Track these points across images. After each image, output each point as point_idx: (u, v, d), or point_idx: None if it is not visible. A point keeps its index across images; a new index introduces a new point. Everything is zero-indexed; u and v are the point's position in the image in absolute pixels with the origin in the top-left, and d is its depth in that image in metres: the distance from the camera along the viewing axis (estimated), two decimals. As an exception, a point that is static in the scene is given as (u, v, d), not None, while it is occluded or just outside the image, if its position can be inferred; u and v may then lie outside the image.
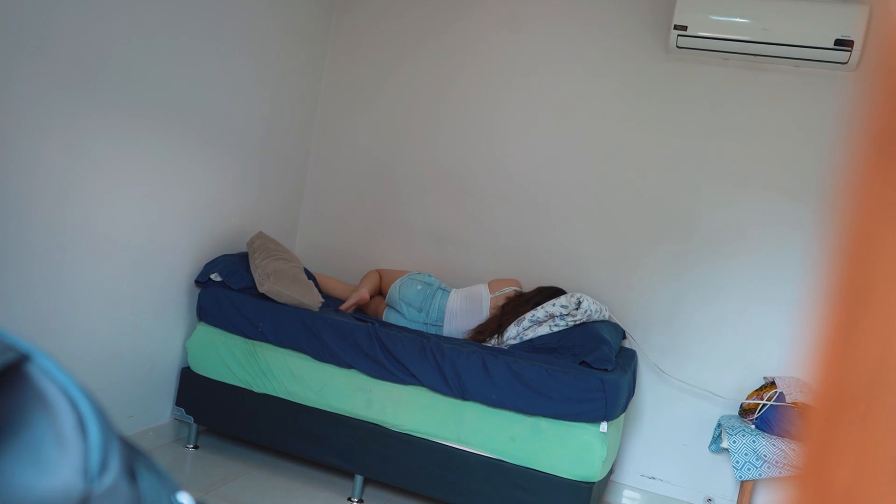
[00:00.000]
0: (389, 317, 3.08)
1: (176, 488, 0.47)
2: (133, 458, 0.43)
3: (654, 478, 3.10)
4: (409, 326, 3.01)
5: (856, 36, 2.64)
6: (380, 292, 3.23)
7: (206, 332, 2.90)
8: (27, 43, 2.10)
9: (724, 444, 2.74)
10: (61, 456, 0.37)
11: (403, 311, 3.05)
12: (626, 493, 3.13)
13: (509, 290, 3.02)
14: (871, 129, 0.22)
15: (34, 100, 2.15)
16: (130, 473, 0.42)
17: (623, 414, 2.82)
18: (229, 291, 2.87)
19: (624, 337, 3.06)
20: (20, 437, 0.36)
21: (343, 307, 3.08)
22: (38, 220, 2.25)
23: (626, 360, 2.85)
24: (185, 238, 2.90)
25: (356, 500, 2.74)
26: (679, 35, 2.81)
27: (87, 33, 2.28)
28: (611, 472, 2.93)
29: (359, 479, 2.75)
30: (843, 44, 2.64)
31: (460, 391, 2.59)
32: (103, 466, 0.39)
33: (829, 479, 0.23)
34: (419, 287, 3.08)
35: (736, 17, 2.78)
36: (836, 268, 0.27)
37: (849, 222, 0.26)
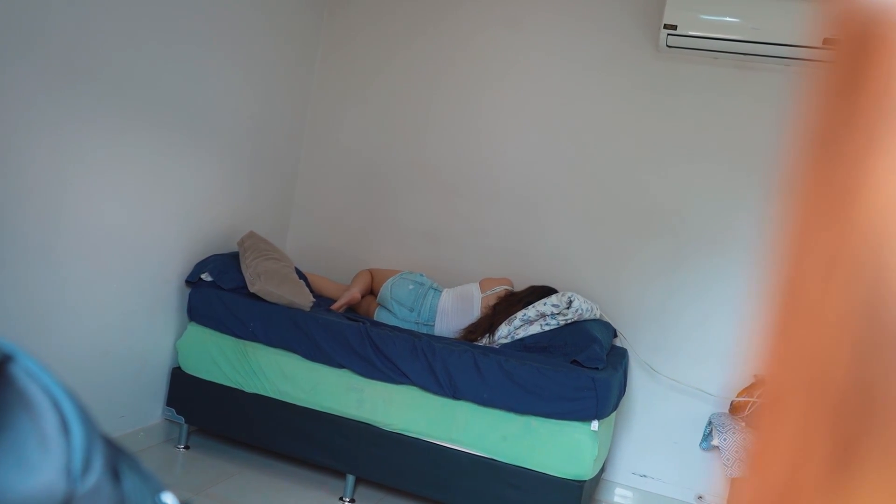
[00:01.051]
0: (381, 316, 3.12)
1: (160, 488, 0.47)
2: (117, 458, 0.44)
3: (645, 476, 3.15)
4: (400, 326, 3.04)
5: (844, 36, 2.68)
6: (371, 292, 3.27)
7: (197, 331, 2.93)
8: (17, 44, 2.13)
9: (715, 442, 2.79)
10: (44, 456, 0.38)
11: (395, 311, 3.09)
12: (618, 491, 3.18)
13: (500, 289, 3.06)
14: (806, 128, 0.24)
15: (24, 100, 2.18)
16: (114, 473, 0.43)
17: (614, 412, 2.86)
18: (220, 291, 2.90)
19: (615, 335, 3.10)
20: (2, 438, 0.36)
21: (334, 307, 3.12)
22: (28, 220, 2.27)
23: (616, 359, 2.89)
24: (175, 237, 2.92)
25: (348, 499, 2.78)
26: (669, 34, 2.86)
27: (76, 34, 2.31)
28: (602, 470, 2.98)
29: (350, 478, 2.78)
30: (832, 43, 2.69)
31: (452, 390, 2.62)
32: (86, 466, 0.40)
33: (767, 475, 0.24)
34: (411, 286, 3.11)
35: (726, 17, 2.83)
36: (774, 265, 0.30)
37: (786, 220, 0.28)
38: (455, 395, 2.63)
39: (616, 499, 3.18)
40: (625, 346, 3.13)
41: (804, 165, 0.22)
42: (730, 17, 2.82)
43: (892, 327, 0.17)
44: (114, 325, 2.70)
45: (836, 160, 0.19)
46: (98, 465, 0.41)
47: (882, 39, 0.18)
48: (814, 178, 0.22)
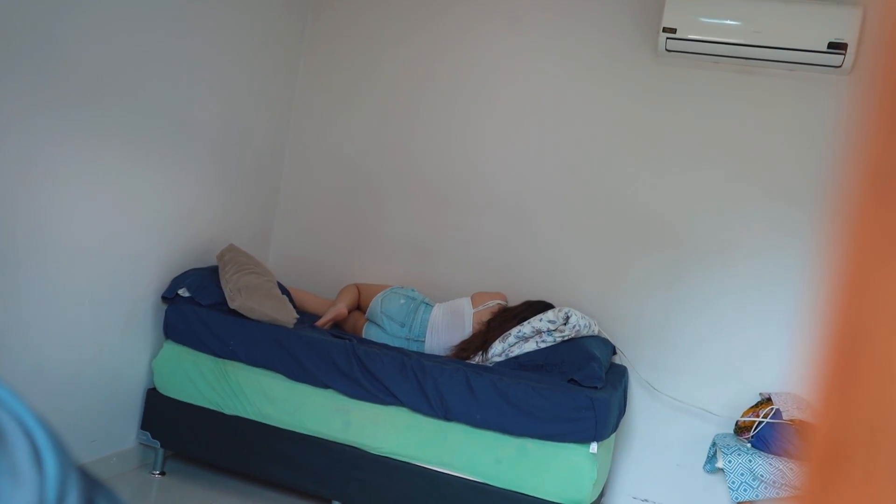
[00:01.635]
0: (370, 332, 3.06)
1: None
2: (92, 489, 0.43)
3: (646, 500, 3.09)
4: (390, 342, 2.99)
5: (850, 39, 2.66)
6: (358, 307, 3.21)
7: (174, 350, 2.86)
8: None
9: (720, 464, 2.73)
10: (15, 490, 0.37)
11: (385, 326, 3.03)
12: (618, 515, 3.11)
13: (494, 303, 3.01)
14: (866, 165, 0.20)
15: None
16: None
17: (613, 433, 2.81)
18: (198, 307, 2.84)
19: (614, 353, 3.05)
20: None
21: (319, 323, 3.05)
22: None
23: (616, 377, 2.84)
24: (151, 251, 2.86)
25: (333, 527, 2.71)
26: (668, 38, 2.82)
27: (48, 32, 2.25)
28: (601, 494, 2.91)
29: (336, 505, 2.71)
30: (836, 47, 2.66)
31: (443, 411, 2.57)
32: (60, 500, 0.39)
33: None
34: (402, 301, 3.06)
35: (727, 20, 2.80)
36: (831, 309, 0.27)
37: (843, 261, 0.25)
38: (447, 416, 2.57)
39: (616, 524, 3.11)
40: (624, 364, 3.08)
41: (861, 202, 0.22)
42: (731, 20, 2.78)
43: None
44: (86, 344, 2.62)
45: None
46: (73, 498, 0.40)
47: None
48: (873, 217, 0.21)
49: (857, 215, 0.23)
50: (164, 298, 2.91)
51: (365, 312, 3.15)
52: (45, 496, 0.38)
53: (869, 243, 0.23)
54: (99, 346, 2.68)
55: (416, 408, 2.60)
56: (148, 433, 2.88)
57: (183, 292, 2.87)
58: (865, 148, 0.21)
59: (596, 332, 2.93)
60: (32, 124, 2.26)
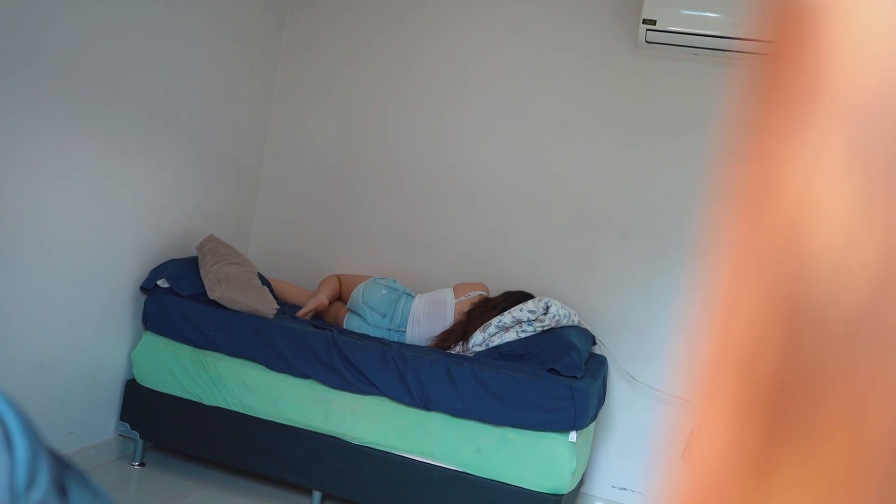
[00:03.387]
0: (351, 322, 3.12)
1: None
2: (63, 472, 0.44)
3: (625, 489, 3.18)
4: (371, 332, 3.05)
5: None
6: (339, 298, 3.26)
7: (153, 341, 2.90)
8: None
9: (697, 453, 2.82)
10: None
11: (366, 316, 3.09)
12: (597, 505, 3.20)
13: (475, 294, 3.08)
14: (734, 124, 0.24)
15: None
16: (60, 489, 0.42)
17: (593, 423, 2.89)
18: (177, 298, 2.87)
19: (594, 343, 3.13)
20: None
21: (300, 314, 3.11)
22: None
23: (595, 367, 2.92)
24: (129, 242, 2.89)
25: (314, 517, 2.77)
26: (648, 30, 2.90)
27: (17, 18, 2.28)
28: (581, 483, 3.00)
29: (317, 495, 2.77)
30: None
31: (423, 401, 2.63)
32: (30, 482, 0.39)
33: (701, 465, 0.24)
34: (384, 291, 3.12)
35: (706, 12, 2.88)
36: (702, 261, 0.30)
37: (712, 217, 0.28)
38: (427, 405, 2.63)
39: (596, 513, 3.20)
40: (604, 354, 3.16)
41: (730, 162, 0.23)
42: (710, 12, 2.87)
43: (813, 318, 0.18)
44: (62, 336, 2.66)
45: (759, 157, 0.20)
46: (43, 480, 0.40)
47: (809, 34, 0.19)
48: (738, 175, 0.22)
49: (726, 174, 0.27)
50: (143, 289, 2.94)
51: (346, 303, 3.21)
52: (16, 478, 0.39)
53: (734, 199, 0.26)
54: (77, 338, 2.72)
55: (396, 398, 2.66)
56: (127, 424, 2.92)
57: (162, 283, 2.90)
58: (739, 111, 0.25)
59: (576, 322, 3.01)
60: (5, 117, 2.29)
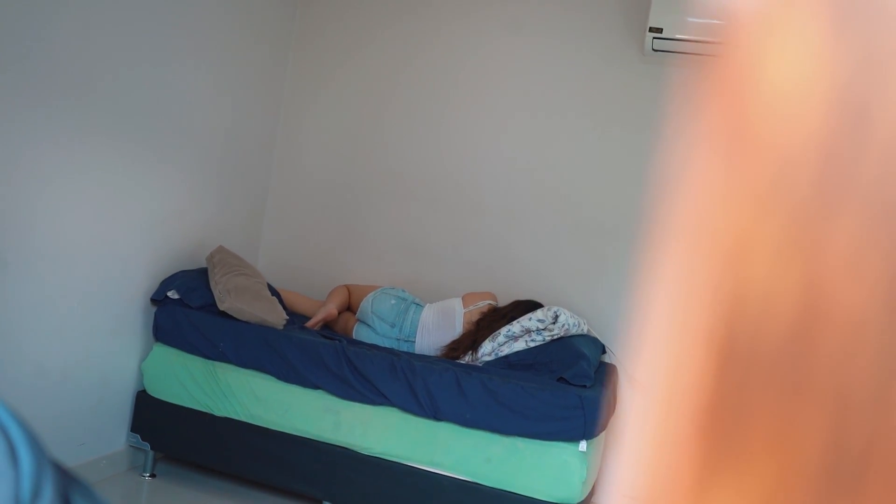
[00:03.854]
0: (360, 332, 3.13)
1: None
2: (68, 485, 0.44)
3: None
4: (380, 342, 3.06)
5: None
6: (348, 308, 3.28)
7: (163, 352, 2.93)
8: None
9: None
10: None
11: (375, 326, 3.10)
12: (609, 515, 3.19)
13: (483, 304, 3.09)
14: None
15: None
16: (65, 502, 0.43)
17: (603, 432, 2.88)
18: (188, 309, 2.90)
19: (604, 351, 3.13)
20: None
21: (309, 324, 3.13)
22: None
23: (605, 376, 2.92)
24: (140, 253, 2.93)
25: (324, 528, 2.78)
26: (655, 38, 2.91)
27: (33, 40, 2.32)
28: (591, 493, 2.99)
29: (327, 505, 2.78)
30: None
31: (433, 411, 2.64)
32: (35, 495, 0.40)
33: (648, 473, 0.27)
34: (393, 301, 3.14)
35: (714, 19, 2.88)
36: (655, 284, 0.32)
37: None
38: (436, 416, 2.64)
39: (607, 523, 3.19)
40: (614, 363, 3.16)
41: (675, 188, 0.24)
42: (717, 19, 2.87)
43: (744, 344, 0.20)
44: (75, 346, 2.69)
45: (698, 188, 0.21)
46: (48, 493, 0.41)
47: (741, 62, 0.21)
48: (680, 203, 0.23)
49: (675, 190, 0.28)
50: (154, 300, 2.98)
51: (355, 313, 3.22)
52: (21, 491, 0.39)
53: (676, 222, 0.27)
54: (87, 349, 2.75)
55: (406, 408, 2.67)
56: (138, 436, 2.95)
57: (172, 294, 2.93)
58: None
59: (585, 331, 3.01)
60: (17, 125, 2.33)
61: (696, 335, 0.21)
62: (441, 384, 2.64)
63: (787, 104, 0.19)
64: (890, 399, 0.18)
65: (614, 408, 3.07)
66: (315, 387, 2.76)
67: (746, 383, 0.20)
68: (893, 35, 0.19)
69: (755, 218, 0.20)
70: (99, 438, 2.86)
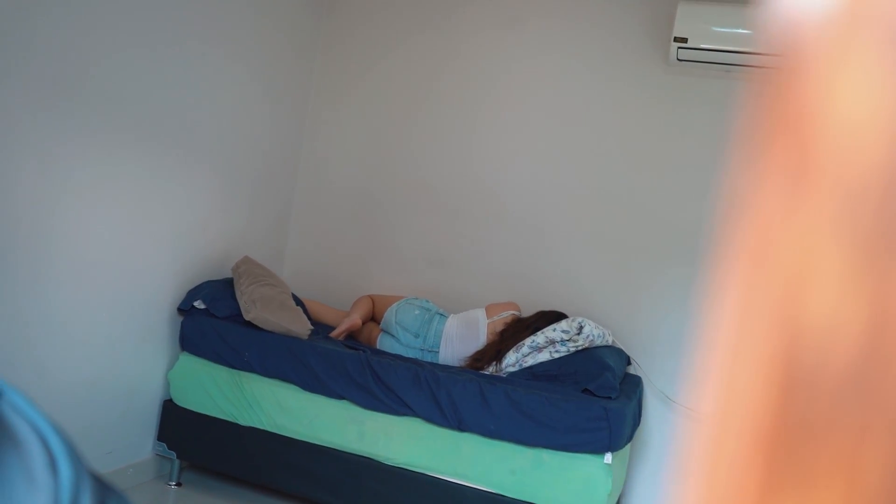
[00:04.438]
0: (384, 343, 3.14)
1: None
2: (105, 495, 0.45)
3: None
4: (404, 353, 3.07)
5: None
6: (372, 318, 3.29)
7: (190, 362, 2.95)
8: (1, 66, 2.18)
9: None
10: (31, 494, 0.39)
11: (399, 337, 3.11)
12: (635, 528, 3.17)
13: (507, 314, 3.08)
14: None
15: (8, 122, 2.23)
16: None
17: (629, 444, 2.87)
18: (213, 319, 2.93)
19: (628, 363, 3.11)
20: None
21: (333, 334, 3.14)
22: (15, 247, 2.32)
23: (630, 388, 2.90)
24: (167, 264, 2.96)
25: (348, 538, 2.78)
26: (679, 48, 2.91)
27: (64, 54, 2.37)
28: (617, 506, 2.97)
29: (351, 516, 2.79)
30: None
31: (457, 422, 2.64)
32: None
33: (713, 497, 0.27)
34: (417, 312, 3.14)
35: (738, 28, 2.87)
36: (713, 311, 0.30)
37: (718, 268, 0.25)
38: (460, 426, 2.64)
39: (633, 536, 3.17)
40: (639, 374, 3.14)
41: (734, 213, 0.23)
42: (742, 28, 2.86)
43: (806, 377, 0.20)
44: (102, 356, 2.73)
45: (759, 216, 0.22)
46: (86, 502, 0.42)
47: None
48: (740, 229, 0.23)
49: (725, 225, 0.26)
50: (180, 310, 3.01)
51: (379, 323, 3.23)
52: (60, 500, 0.40)
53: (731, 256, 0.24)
54: (115, 358, 2.79)
55: (429, 418, 2.67)
56: (164, 444, 2.98)
57: (198, 304, 2.96)
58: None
59: (610, 342, 3.00)
60: (49, 141, 2.38)
61: (755, 360, 0.21)
62: (465, 395, 2.64)
63: (852, 131, 0.20)
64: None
65: (639, 420, 3.04)
66: (339, 397, 2.77)
67: (809, 411, 0.20)
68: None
69: (818, 246, 0.20)
70: (126, 447, 2.89)
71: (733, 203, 0.23)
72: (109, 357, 2.76)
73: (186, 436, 2.95)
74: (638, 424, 3.00)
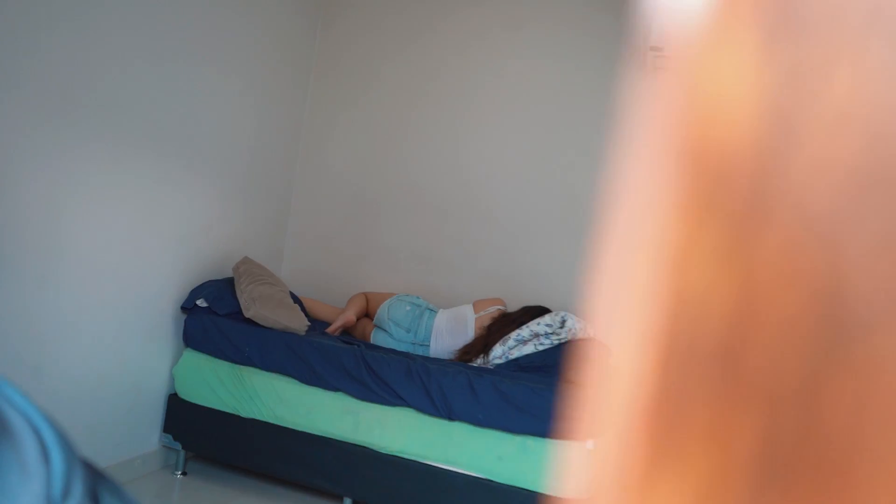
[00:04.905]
0: (377, 338, 3.14)
1: None
2: (97, 483, 0.44)
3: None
4: (396, 347, 3.07)
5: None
6: (366, 314, 3.29)
7: (193, 357, 2.95)
8: (7, 75, 2.17)
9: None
10: (24, 483, 0.38)
11: (392, 332, 3.11)
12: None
13: (494, 309, 3.09)
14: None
15: (17, 132, 2.22)
16: (94, 499, 0.43)
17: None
18: (215, 317, 2.92)
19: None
20: None
21: (329, 330, 3.14)
22: (25, 250, 2.31)
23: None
24: (171, 265, 2.96)
25: (345, 523, 2.78)
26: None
27: (69, 65, 2.36)
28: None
29: (347, 501, 2.78)
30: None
31: (447, 411, 2.64)
32: (66, 493, 0.40)
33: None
34: (408, 308, 3.14)
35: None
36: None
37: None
38: (450, 416, 2.64)
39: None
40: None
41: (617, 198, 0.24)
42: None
43: (682, 349, 0.20)
44: (110, 353, 2.72)
45: (635, 200, 0.21)
46: (78, 491, 0.41)
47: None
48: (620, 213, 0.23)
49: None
50: (184, 309, 3.00)
51: (373, 319, 3.23)
52: (52, 489, 0.39)
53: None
54: (122, 356, 2.78)
55: (421, 409, 2.67)
56: (170, 436, 2.97)
57: (201, 303, 2.96)
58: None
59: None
60: (56, 150, 2.37)
61: (639, 337, 0.21)
62: (454, 386, 2.64)
63: (723, 114, 0.19)
64: (818, 396, 0.18)
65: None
66: (335, 389, 2.77)
67: (685, 383, 0.20)
68: (819, 46, 0.19)
69: (695, 226, 0.20)
70: (133, 439, 2.89)
71: (621, 186, 0.23)
72: (117, 354, 2.75)
73: (191, 428, 2.95)
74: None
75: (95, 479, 0.45)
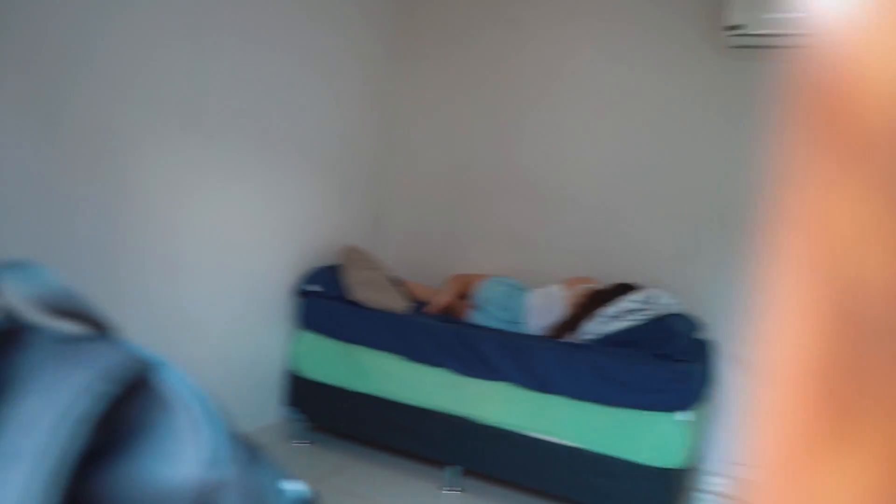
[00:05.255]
0: (475, 317, 3.18)
1: (283, 476, 0.51)
2: (244, 450, 0.47)
3: (739, 464, 3.07)
4: (493, 325, 3.10)
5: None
6: (463, 295, 3.34)
7: (309, 337, 3.08)
8: (152, 92, 2.33)
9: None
10: (183, 450, 0.41)
11: (488, 311, 3.15)
12: (712, 479, 3.11)
13: (583, 287, 3.07)
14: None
15: (153, 136, 2.38)
16: (242, 463, 0.46)
17: (706, 403, 2.81)
18: (327, 300, 3.04)
19: (699, 329, 3.04)
20: (150, 436, 0.41)
21: (428, 310, 3.20)
22: (154, 241, 2.48)
23: (701, 351, 2.84)
24: (287, 254, 3.10)
25: (447, 489, 2.85)
26: (731, 35, 2.79)
27: (193, 79, 2.50)
28: (694, 459, 2.92)
29: (451, 469, 2.85)
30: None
31: (542, 385, 2.65)
32: (219, 458, 0.43)
33: (779, 447, 0.25)
34: (503, 288, 3.17)
35: (794, 13, 2.73)
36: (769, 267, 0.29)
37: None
38: (545, 389, 2.65)
39: (711, 487, 3.11)
40: (710, 338, 3.07)
41: (786, 181, 0.23)
42: (800, 13, 2.72)
43: (864, 327, 0.21)
44: (234, 334, 2.88)
45: (810, 182, 0.22)
46: (229, 456, 0.44)
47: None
48: (792, 196, 0.23)
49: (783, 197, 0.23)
50: (299, 293, 3.14)
51: (469, 300, 3.28)
52: (207, 454, 0.42)
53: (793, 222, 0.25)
54: (245, 336, 2.94)
55: (518, 382, 2.70)
56: (292, 408, 3.12)
57: (313, 287, 3.08)
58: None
59: (681, 310, 2.94)
60: (187, 154, 2.52)
61: (814, 318, 0.22)
62: (549, 361, 2.65)
63: (890, 94, 0.19)
64: None
65: (713, 380, 2.98)
66: (438, 365, 2.83)
67: (863, 363, 0.20)
68: None
69: (869, 208, 0.20)
70: (256, 412, 3.05)
71: (784, 176, 0.22)
72: (241, 335, 2.91)
73: (310, 401, 3.09)
74: (712, 385, 2.94)
75: (243, 446, 0.48)
